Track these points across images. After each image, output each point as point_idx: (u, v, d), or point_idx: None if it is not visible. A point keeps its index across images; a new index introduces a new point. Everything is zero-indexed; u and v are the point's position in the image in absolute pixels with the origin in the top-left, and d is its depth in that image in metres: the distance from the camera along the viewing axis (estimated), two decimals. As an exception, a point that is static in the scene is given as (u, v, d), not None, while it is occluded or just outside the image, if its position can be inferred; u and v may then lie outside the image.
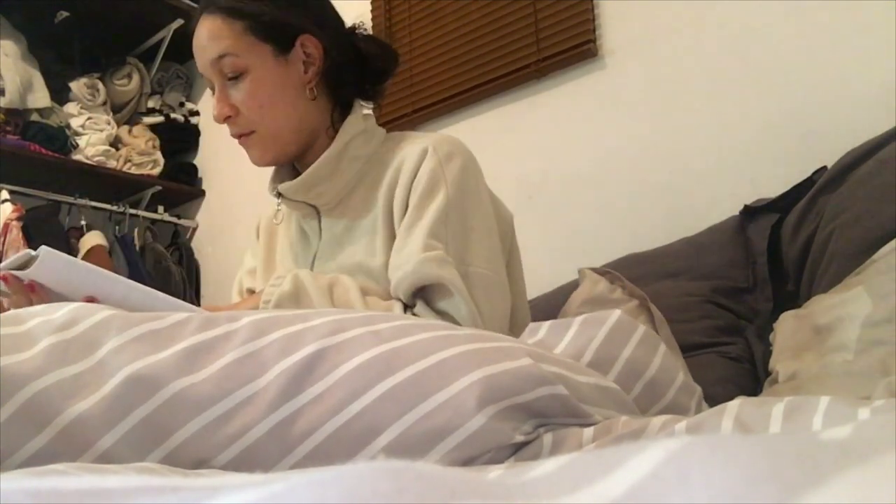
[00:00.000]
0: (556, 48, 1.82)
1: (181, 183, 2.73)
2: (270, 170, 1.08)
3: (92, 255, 2.29)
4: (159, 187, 2.61)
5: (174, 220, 2.76)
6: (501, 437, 0.52)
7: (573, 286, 1.36)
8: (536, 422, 0.55)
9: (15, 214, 2.19)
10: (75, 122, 2.46)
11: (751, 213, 1.37)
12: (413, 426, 0.50)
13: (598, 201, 1.76)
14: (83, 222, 2.43)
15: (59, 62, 2.48)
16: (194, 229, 2.79)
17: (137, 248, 2.55)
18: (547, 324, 0.78)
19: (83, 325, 0.53)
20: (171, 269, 2.55)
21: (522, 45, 1.88)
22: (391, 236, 0.96)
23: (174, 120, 2.74)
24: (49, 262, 0.76)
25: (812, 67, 1.50)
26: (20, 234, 2.16)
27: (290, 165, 1.08)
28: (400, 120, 2.05)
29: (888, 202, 1.07)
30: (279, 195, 1.02)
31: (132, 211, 2.60)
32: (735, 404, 0.52)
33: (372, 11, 2.18)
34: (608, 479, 0.20)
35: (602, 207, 1.75)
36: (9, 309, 0.73)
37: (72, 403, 0.48)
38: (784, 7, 1.54)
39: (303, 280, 0.91)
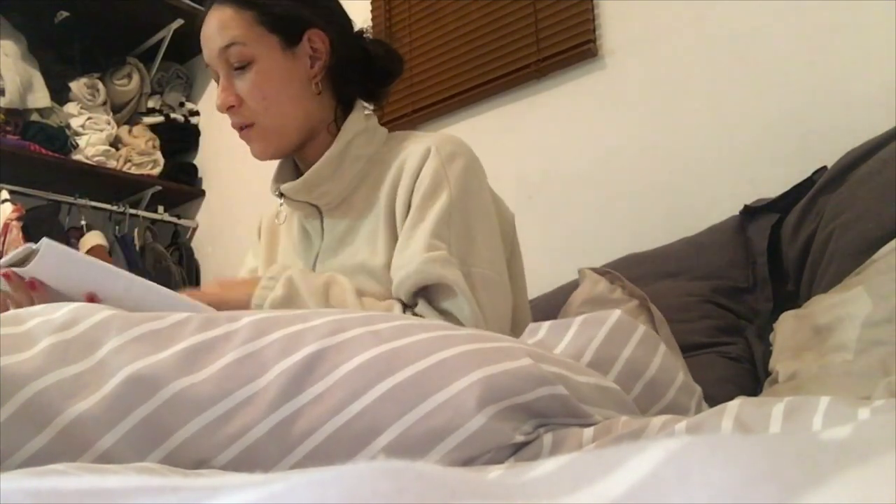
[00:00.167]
0: (556, 48, 1.82)
1: (181, 183, 2.73)
2: (271, 170, 1.08)
3: (92, 255, 2.29)
4: (159, 187, 2.62)
5: (174, 220, 2.76)
6: (501, 438, 0.52)
7: (573, 286, 1.36)
8: (536, 422, 0.56)
9: (15, 214, 2.19)
10: (75, 122, 2.46)
11: (751, 213, 1.37)
12: (413, 426, 0.50)
13: (598, 201, 1.76)
14: (83, 222, 2.43)
15: (59, 62, 2.48)
16: (194, 229, 2.79)
17: (137, 248, 2.55)
18: (547, 324, 0.78)
19: (83, 324, 0.53)
20: (171, 269, 2.55)
21: (522, 45, 1.88)
22: (393, 236, 0.96)
23: (174, 120, 2.74)
24: (50, 255, 0.76)
25: (812, 67, 1.50)
26: (20, 234, 2.16)
27: (291, 165, 1.08)
28: (400, 120, 2.05)
29: (888, 202, 1.07)
30: (282, 195, 1.02)
31: (132, 211, 2.60)
32: (735, 404, 0.52)
33: (372, 11, 2.18)
34: (608, 479, 0.20)
35: (602, 207, 1.75)
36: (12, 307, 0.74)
37: (72, 403, 0.48)
38: (784, 7, 1.54)
39: (296, 283, 0.90)
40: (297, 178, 1.01)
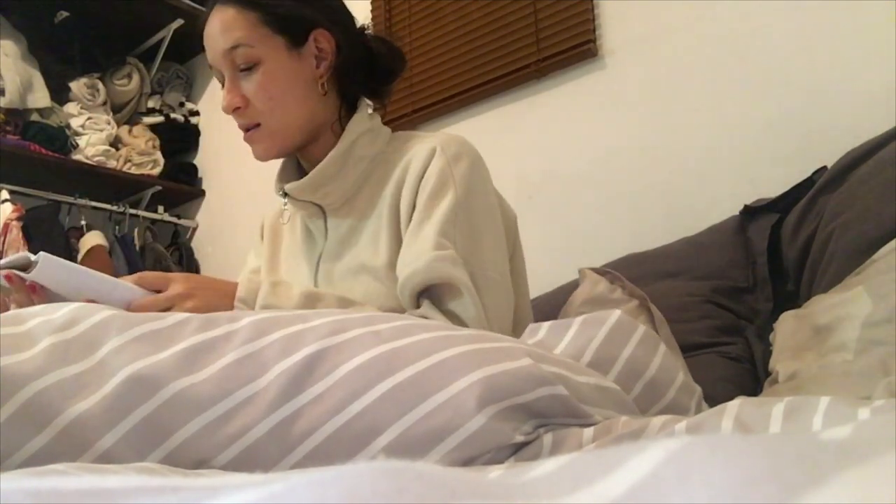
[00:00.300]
0: (556, 48, 1.82)
1: (181, 183, 2.73)
2: (271, 170, 1.08)
3: (92, 255, 2.29)
4: (159, 187, 2.62)
5: (174, 220, 2.76)
6: (501, 438, 0.52)
7: (573, 286, 1.36)
8: (536, 422, 0.56)
9: (15, 214, 2.19)
10: (75, 122, 2.46)
11: (751, 213, 1.37)
12: (413, 426, 0.50)
13: (598, 201, 1.76)
14: (83, 222, 2.43)
15: (59, 62, 2.47)
16: (194, 229, 2.79)
17: (137, 248, 2.55)
18: (547, 324, 0.78)
19: (83, 325, 0.53)
20: (171, 269, 2.55)
21: (522, 45, 1.88)
22: (396, 236, 0.96)
23: (174, 120, 2.74)
24: (48, 268, 0.76)
25: (812, 67, 1.50)
26: (20, 234, 2.16)
27: (295, 164, 1.08)
28: (400, 120, 2.05)
29: (888, 202, 1.07)
30: (285, 195, 1.02)
31: (132, 211, 2.60)
32: (735, 404, 0.52)
33: (372, 11, 2.18)
34: (608, 479, 0.20)
35: (602, 207, 1.75)
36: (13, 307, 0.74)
37: (72, 403, 0.48)
38: (784, 7, 1.54)
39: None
40: (301, 177, 1.01)
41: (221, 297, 0.88)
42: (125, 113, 2.65)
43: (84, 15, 2.45)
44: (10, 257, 0.79)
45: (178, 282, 0.86)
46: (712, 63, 1.63)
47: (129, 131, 2.63)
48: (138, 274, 0.86)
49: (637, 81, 1.74)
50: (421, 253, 0.88)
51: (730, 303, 1.27)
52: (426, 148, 0.97)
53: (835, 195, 1.20)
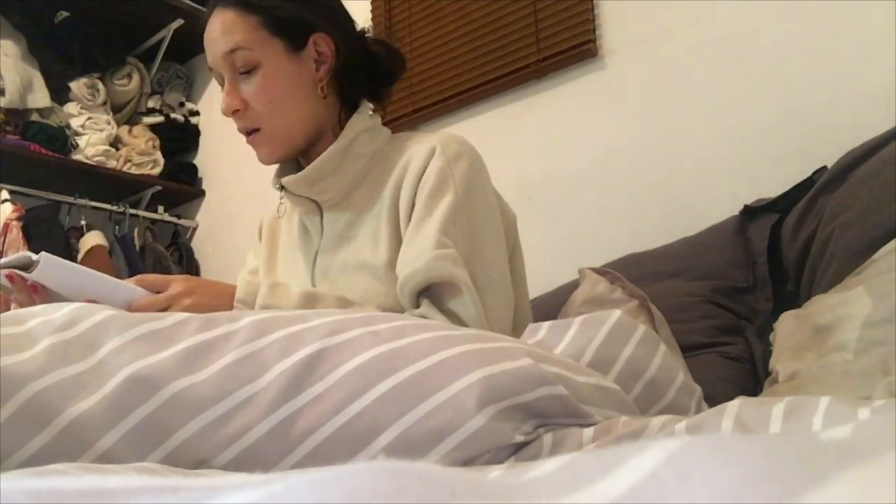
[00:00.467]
0: (556, 48, 1.82)
1: (181, 183, 2.73)
2: (271, 170, 1.08)
3: (92, 255, 2.29)
4: (159, 187, 2.61)
5: (174, 220, 2.76)
6: (501, 438, 0.52)
7: (573, 286, 1.36)
8: (536, 422, 0.56)
9: (15, 214, 2.19)
10: (75, 122, 2.46)
11: (751, 213, 1.37)
12: (413, 426, 0.50)
13: (598, 201, 1.76)
14: (83, 222, 2.43)
15: (59, 62, 2.47)
16: (194, 229, 2.79)
17: (137, 248, 2.55)
18: (547, 324, 0.78)
19: (83, 325, 0.53)
20: (172, 269, 2.55)
21: (522, 45, 1.88)
22: (395, 235, 0.96)
23: (174, 120, 2.74)
24: (49, 268, 0.76)
25: (812, 67, 1.50)
26: (20, 234, 2.16)
27: (294, 161, 1.08)
28: (400, 120, 2.05)
29: (888, 202, 1.07)
30: (282, 188, 1.02)
31: (132, 211, 2.60)
32: (735, 404, 0.52)
33: (372, 11, 2.18)
34: (608, 479, 0.20)
35: (602, 207, 1.75)
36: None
37: (72, 403, 0.48)
38: (784, 7, 1.54)
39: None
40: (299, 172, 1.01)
41: (220, 296, 0.88)
42: (125, 113, 2.65)
43: (84, 15, 2.45)
44: (11, 257, 0.79)
45: (177, 282, 0.86)
46: (712, 63, 1.63)
47: (129, 131, 2.62)
48: (138, 276, 0.87)
49: (637, 81, 1.74)
50: (421, 252, 0.88)
51: (730, 303, 1.27)
52: (426, 147, 0.97)
53: (835, 195, 1.20)
